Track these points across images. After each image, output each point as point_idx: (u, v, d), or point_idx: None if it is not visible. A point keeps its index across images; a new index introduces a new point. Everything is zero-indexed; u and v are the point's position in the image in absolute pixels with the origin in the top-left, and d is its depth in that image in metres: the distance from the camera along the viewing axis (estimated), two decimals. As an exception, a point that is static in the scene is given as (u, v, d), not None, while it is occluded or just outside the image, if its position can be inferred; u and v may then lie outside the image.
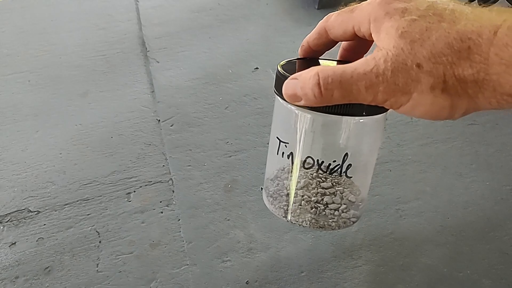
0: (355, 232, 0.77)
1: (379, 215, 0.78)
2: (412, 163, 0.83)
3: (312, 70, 0.31)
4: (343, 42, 0.40)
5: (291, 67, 0.37)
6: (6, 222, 0.81)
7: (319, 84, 0.30)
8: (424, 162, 0.83)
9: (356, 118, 0.36)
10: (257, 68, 1.02)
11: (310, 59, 0.41)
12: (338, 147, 0.39)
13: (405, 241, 0.76)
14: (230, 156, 0.86)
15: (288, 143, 0.40)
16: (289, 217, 0.43)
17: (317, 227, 0.42)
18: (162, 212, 0.80)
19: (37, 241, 0.79)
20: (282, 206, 0.43)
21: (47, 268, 0.76)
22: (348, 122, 0.37)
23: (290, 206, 0.42)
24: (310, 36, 0.40)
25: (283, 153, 0.40)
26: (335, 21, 0.37)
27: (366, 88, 0.29)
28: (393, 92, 0.29)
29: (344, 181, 0.41)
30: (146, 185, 0.84)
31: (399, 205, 0.79)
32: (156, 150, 0.88)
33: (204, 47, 1.04)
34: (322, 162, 0.39)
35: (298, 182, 0.41)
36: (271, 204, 0.44)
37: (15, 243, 0.79)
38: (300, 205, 0.41)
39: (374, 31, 0.32)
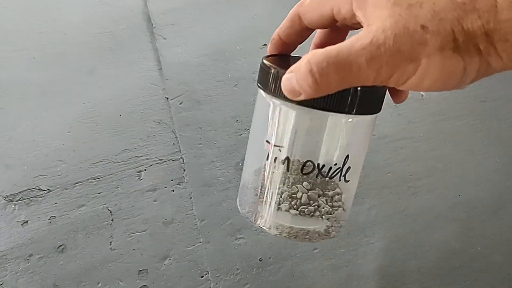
0: (368, 209, 0.77)
1: (391, 192, 0.78)
2: (424, 140, 0.83)
3: (304, 58, 0.28)
4: (318, 31, 0.37)
5: (277, 61, 0.35)
6: (18, 200, 0.81)
7: (311, 71, 0.28)
8: (436, 139, 0.83)
9: (351, 116, 0.33)
10: (265, 44, 1.00)
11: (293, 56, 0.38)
12: (338, 148, 0.36)
13: (417, 218, 0.76)
14: (240, 134, 0.85)
15: (282, 146, 0.36)
16: (268, 225, 0.38)
17: (301, 238, 0.37)
18: (173, 191, 0.80)
19: (49, 219, 0.79)
20: (260, 212, 0.39)
21: (60, 246, 0.76)
22: (341, 120, 0.35)
23: (271, 211, 0.38)
24: (281, 27, 0.36)
25: (275, 158, 0.37)
26: (310, 4, 0.33)
27: (368, 63, 0.26)
28: (399, 61, 0.26)
29: (337, 184, 0.38)
30: (157, 164, 0.83)
31: (411, 182, 0.79)
32: (166, 128, 0.87)
33: (211, 23, 1.02)
34: (323, 166, 0.36)
35: (286, 183, 0.37)
36: (247, 211, 0.40)
37: (27, 221, 0.79)
38: (286, 209, 0.37)
39: (358, 9, 0.29)
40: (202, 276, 0.72)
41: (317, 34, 0.37)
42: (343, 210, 0.38)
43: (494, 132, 0.83)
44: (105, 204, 0.80)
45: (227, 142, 0.85)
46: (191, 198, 0.79)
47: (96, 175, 0.83)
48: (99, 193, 0.81)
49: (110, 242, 0.76)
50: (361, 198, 0.78)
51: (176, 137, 0.86)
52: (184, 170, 0.82)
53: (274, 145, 0.36)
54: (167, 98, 0.91)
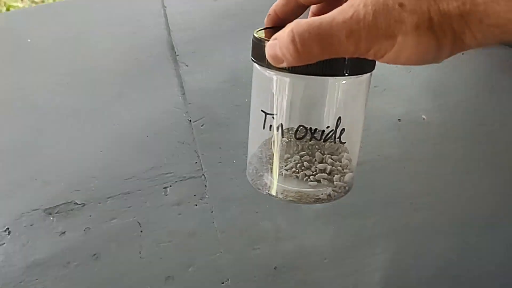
0: (373, 223, 0.84)
1: (394, 208, 0.86)
2: (425, 161, 0.91)
3: (288, 27, 0.29)
4: (312, 6, 0.38)
5: (268, 34, 0.35)
6: (56, 213, 0.90)
7: (294, 40, 0.28)
8: (435, 160, 0.91)
9: (340, 77, 0.34)
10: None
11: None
12: (329, 111, 0.37)
13: (418, 231, 0.83)
14: (256, 154, 0.94)
15: (275, 114, 0.37)
16: (274, 192, 0.40)
17: (305, 200, 0.38)
18: (196, 205, 0.89)
19: (84, 230, 0.87)
20: (268, 180, 0.40)
21: (95, 254, 0.84)
22: (334, 83, 0.35)
23: (276, 177, 0.39)
24: (277, 3, 0.37)
25: (270, 126, 0.37)
26: None
27: (347, 36, 0.27)
28: (376, 37, 0.27)
29: (338, 147, 0.39)
30: (181, 180, 0.92)
31: (413, 199, 0.87)
32: (189, 148, 0.96)
33: (229, 51, 1.11)
34: (315, 129, 0.37)
35: (286, 150, 0.38)
36: (256, 180, 0.41)
37: (64, 232, 0.87)
38: (290, 173, 0.38)
39: None
40: (223, 283, 0.80)
41: (314, 5, 0.38)
42: (346, 173, 0.39)
43: (488, 155, 0.90)
44: (135, 217, 0.88)
45: (244, 161, 0.93)
46: (212, 212, 0.87)
47: (126, 191, 0.91)
48: (129, 207, 0.89)
49: (139, 252, 0.84)
50: (366, 213, 0.85)
51: (198, 156, 0.95)
52: (205, 186, 0.91)
53: (268, 113, 0.37)
54: (190, 120, 1.00)
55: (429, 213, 0.85)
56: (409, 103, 0.98)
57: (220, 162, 0.93)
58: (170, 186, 0.91)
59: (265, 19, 0.38)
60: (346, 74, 0.33)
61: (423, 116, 0.95)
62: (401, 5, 0.26)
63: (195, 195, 0.90)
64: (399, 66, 1.04)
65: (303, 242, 0.83)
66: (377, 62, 0.34)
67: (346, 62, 0.32)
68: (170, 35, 1.15)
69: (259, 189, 0.41)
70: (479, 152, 0.90)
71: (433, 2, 0.26)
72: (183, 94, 1.03)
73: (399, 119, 0.95)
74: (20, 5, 2.18)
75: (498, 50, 1.00)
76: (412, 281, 0.79)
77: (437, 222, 0.84)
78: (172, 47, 1.13)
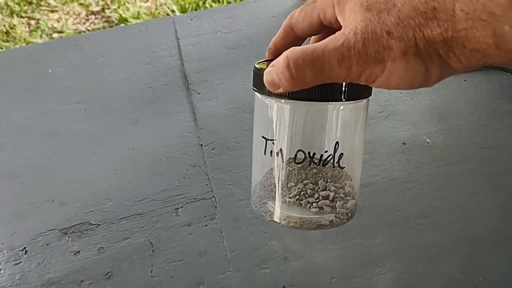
0: (379, 243, 0.86)
1: (400, 229, 0.88)
2: (429, 183, 0.93)
3: (283, 54, 0.31)
4: (312, 38, 0.40)
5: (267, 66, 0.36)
6: (71, 233, 0.93)
7: (288, 66, 0.30)
8: (440, 181, 0.93)
9: (338, 103, 0.35)
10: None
11: None
12: (327, 136, 0.37)
13: (424, 251, 0.85)
14: (265, 176, 0.97)
15: (275, 140, 0.38)
16: (277, 218, 0.40)
17: (307, 226, 0.39)
18: (206, 225, 0.91)
19: (98, 250, 0.90)
20: (272, 207, 0.41)
21: (108, 273, 0.87)
22: (331, 108, 0.36)
23: (279, 204, 0.40)
24: (276, 37, 0.40)
25: (271, 151, 0.39)
26: (299, 16, 0.37)
27: (339, 62, 0.29)
28: (367, 63, 0.29)
29: (338, 171, 0.39)
30: (192, 202, 0.95)
31: (418, 219, 0.88)
32: (200, 171, 0.99)
33: (239, 79, 1.16)
34: (314, 154, 0.38)
35: (289, 178, 0.39)
36: (260, 207, 0.42)
37: (79, 251, 0.90)
38: (294, 201, 0.39)
39: (338, 13, 0.32)
40: (232, 301, 0.81)
41: (313, 37, 0.40)
42: (348, 200, 0.40)
43: (493, 176, 0.92)
44: (147, 237, 0.91)
45: (253, 184, 0.96)
46: (222, 232, 0.90)
47: (139, 212, 0.94)
48: (142, 227, 0.92)
49: (151, 270, 0.86)
50: (373, 233, 0.87)
51: (209, 179, 0.98)
52: (215, 207, 0.94)
53: (268, 139, 0.39)
54: (201, 145, 1.04)
55: (435, 233, 0.86)
56: (413, 127, 1.01)
57: (230, 184, 0.96)
58: (182, 207, 0.94)
59: (266, 52, 0.41)
60: (344, 100, 0.34)
61: (427, 140, 0.98)
62: (388, 33, 0.28)
63: (205, 216, 0.93)
64: (403, 92, 1.08)
65: (311, 261, 0.85)
66: (374, 89, 0.36)
67: (343, 88, 0.34)
68: (183, 65, 1.20)
69: (263, 216, 0.42)
70: (483, 174, 0.92)
71: (418, 29, 0.28)
72: (195, 120, 1.08)
73: (403, 143, 0.98)
74: (39, 40, 2.28)
75: (499, 76, 1.03)
76: (419, 300, 0.80)
77: (443, 242, 0.85)
78: (185, 76, 1.18)
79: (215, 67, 1.21)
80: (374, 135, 1.01)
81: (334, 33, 0.33)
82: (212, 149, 1.03)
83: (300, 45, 0.38)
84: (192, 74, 1.19)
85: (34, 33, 2.33)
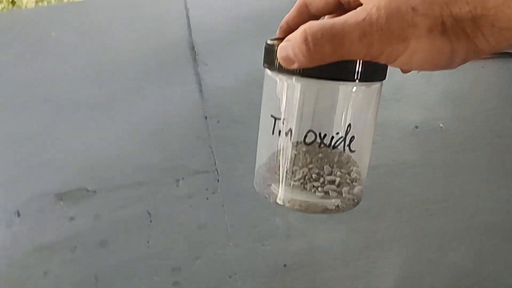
0: (386, 227, 0.83)
1: (409, 213, 0.84)
2: (442, 168, 0.89)
3: (301, 27, 0.29)
4: (326, 16, 0.38)
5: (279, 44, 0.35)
6: (66, 199, 0.89)
7: (306, 40, 0.28)
8: (452, 167, 0.89)
9: (351, 83, 0.34)
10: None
11: None
12: (339, 118, 0.36)
13: (433, 238, 0.81)
14: (270, 153, 0.93)
15: (284, 119, 0.36)
16: (281, 201, 0.39)
17: (312, 210, 0.37)
18: (208, 199, 0.88)
19: (94, 217, 0.87)
20: (276, 190, 0.39)
21: (103, 241, 0.83)
22: (345, 89, 0.35)
23: (284, 187, 0.38)
24: (290, 15, 0.38)
25: (279, 131, 0.37)
26: None
27: (360, 38, 0.27)
28: (389, 40, 0.27)
29: (345, 156, 0.38)
30: (194, 174, 0.91)
31: (428, 205, 0.85)
32: (203, 143, 0.95)
33: (248, 52, 1.12)
34: (325, 135, 0.36)
35: (295, 161, 0.38)
36: (264, 189, 0.40)
37: (74, 217, 0.87)
38: (298, 184, 0.38)
39: None
40: (230, 277, 0.78)
41: (327, 16, 0.37)
42: (355, 186, 0.38)
43: (508, 165, 0.89)
44: (145, 207, 0.87)
45: (258, 159, 0.92)
46: (223, 206, 0.86)
47: (138, 181, 0.91)
48: (140, 197, 0.89)
49: (148, 241, 0.83)
50: (380, 216, 0.83)
51: (212, 152, 0.94)
52: (218, 181, 0.90)
53: (277, 118, 0.36)
54: (206, 117, 1.00)
55: (445, 220, 0.83)
56: (427, 111, 0.97)
57: (233, 158, 0.92)
58: (183, 178, 0.91)
59: (277, 31, 0.38)
60: (357, 80, 0.33)
61: (441, 125, 0.94)
62: (414, 9, 0.26)
63: (207, 189, 0.89)
64: (418, 74, 1.04)
65: (314, 241, 0.81)
66: (388, 72, 0.34)
67: (357, 68, 0.32)
68: (191, 36, 1.16)
69: (266, 197, 0.40)
70: (498, 162, 0.89)
71: (445, 6, 0.26)
72: (201, 91, 1.04)
73: (416, 126, 0.94)
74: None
75: (520, 63, 0.99)
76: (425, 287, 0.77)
77: (453, 229, 0.82)
78: (193, 47, 1.14)
79: (224, 39, 1.17)
80: (386, 116, 0.97)
81: None
82: (217, 122, 0.99)
83: None
84: (200, 45, 1.15)
85: (40, 3, 2.28)
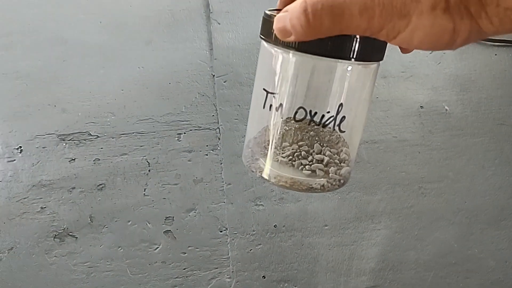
0: (378, 200, 0.84)
1: (402, 189, 0.85)
2: (440, 150, 0.90)
3: None
4: None
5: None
6: (69, 140, 0.91)
7: (306, 11, 0.27)
8: (451, 150, 0.90)
9: (347, 62, 0.33)
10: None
11: None
12: (331, 97, 0.35)
13: (422, 215, 0.83)
14: (273, 117, 0.94)
15: (276, 93, 0.36)
16: (267, 176, 0.39)
17: (297, 187, 0.37)
18: (207, 155, 0.89)
19: (93, 161, 0.88)
20: (263, 164, 0.39)
21: (100, 185, 0.85)
22: (340, 68, 0.34)
23: (271, 162, 0.38)
24: None
25: (270, 105, 0.36)
26: None
27: (361, 12, 0.26)
28: (390, 15, 0.26)
29: (336, 136, 0.37)
30: (196, 130, 0.92)
31: (422, 183, 0.86)
32: (208, 100, 0.96)
33: (261, 16, 1.11)
34: (315, 113, 0.36)
35: (284, 137, 0.37)
36: (251, 162, 0.40)
37: (74, 159, 0.89)
38: (286, 161, 0.37)
39: None
40: (221, 231, 0.80)
41: None
42: (343, 167, 0.38)
43: (506, 153, 0.89)
44: (145, 156, 0.89)
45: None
46: (221, 163, 0.88)
47: (140, 130, 0.92)
48: (141, 146, 0.90)
49: (144, 189, 0.85)
50: (373, 189, 0.85)
51: (216, 110, 0.95)
52: (219, 139, 0.91)
53: (269, 92, 0.36)
54: (213, 75, 1.01)
55: (437, 200, 0.84)
56: (433, 93, 0.97)
57: (236, 119, 0.93)
58: (184, 133, 0.92)
59: (278, 1, 0.37)
60: (353, 59, 0.32)
61: (446, 107, 0.94)
62: None
63: (207, 146, 0.90)
64: (429, 55, 1.04)
65: (306, 206, 0.83)
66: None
67: (355, 47, 0.31)
68: (207, -7, 1.15)
69: (253, 171, 0.40)
70: (496, 150, 0.89)
71: None
72: (211, 49, 1.04)
73: (421, 106, 0.94)
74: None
75: (533, 53, 0.99)
76: (408, 261, 0.79)
77: (444, 210, 0.83)
78: (207, 4, 1.13)
79: (240, 0, 1.16)
80: (392, 94, 0.97)
81: None
82: (224, 81, 0.99)
83: None
84: (215, 4, 1.14)
85: None
